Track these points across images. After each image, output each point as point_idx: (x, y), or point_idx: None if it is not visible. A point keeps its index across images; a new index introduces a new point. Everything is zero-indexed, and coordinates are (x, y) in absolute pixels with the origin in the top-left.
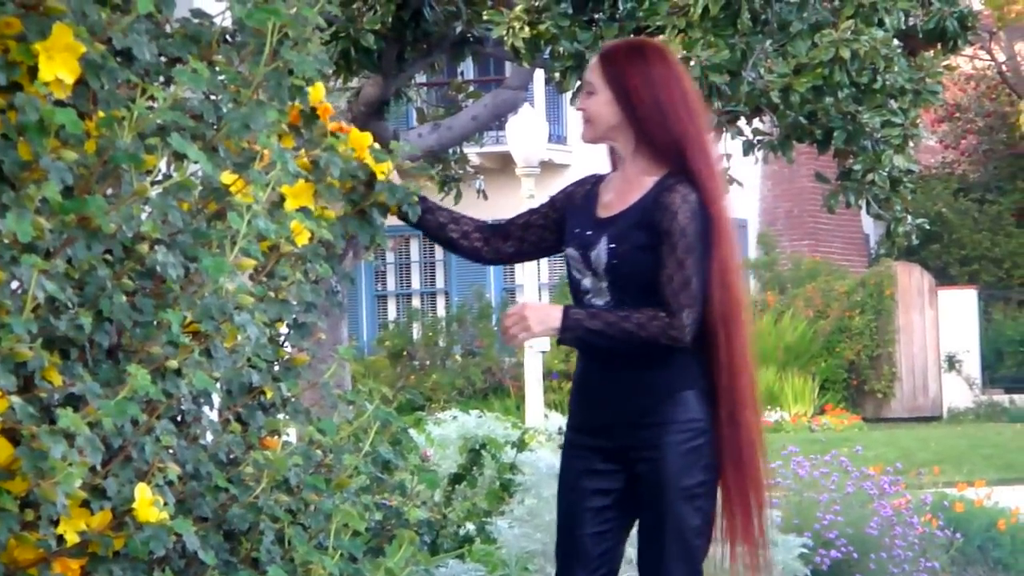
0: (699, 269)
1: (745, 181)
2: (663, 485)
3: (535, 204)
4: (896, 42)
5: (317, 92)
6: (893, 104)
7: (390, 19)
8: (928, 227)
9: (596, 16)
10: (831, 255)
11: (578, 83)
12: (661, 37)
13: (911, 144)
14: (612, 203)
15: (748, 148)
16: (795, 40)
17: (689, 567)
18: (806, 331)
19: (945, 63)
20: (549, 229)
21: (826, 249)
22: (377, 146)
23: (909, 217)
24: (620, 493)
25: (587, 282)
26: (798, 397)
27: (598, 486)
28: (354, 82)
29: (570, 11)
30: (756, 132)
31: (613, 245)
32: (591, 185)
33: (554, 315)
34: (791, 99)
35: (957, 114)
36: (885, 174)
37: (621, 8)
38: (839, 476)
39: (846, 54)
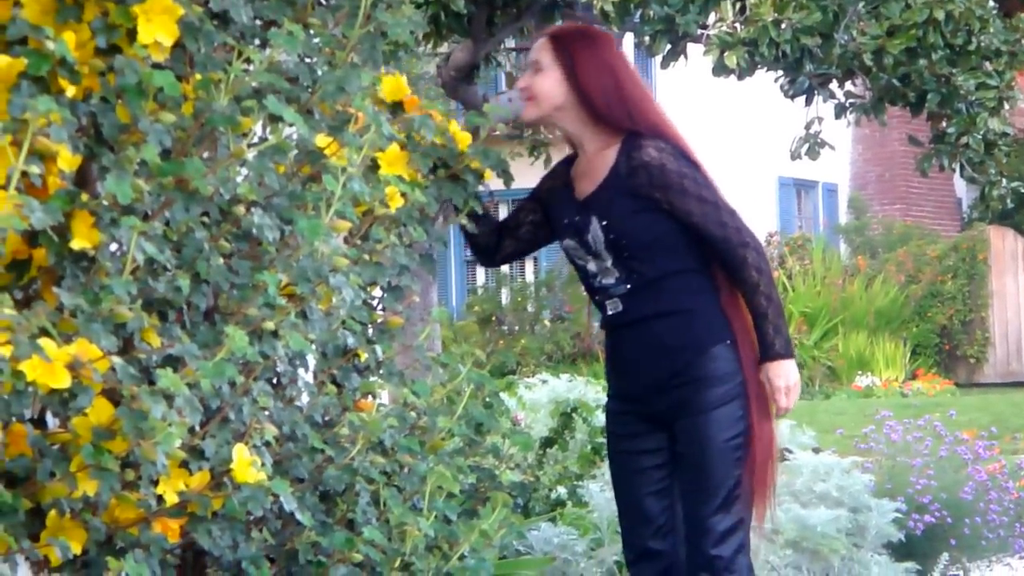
0: (715, 194)
1: (836, 145)
2: (703, 442)
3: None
4: (991, 3)
5: (400, 85)
6: (988, 66)
7: None
8: (1023, 191)
9: None
10: (923, 219)
11: (668, 47)
12: (752, 0)
13: (1006, 106)
14: (586, 183)
15: (840, 111)
16: (888, 2)
17: (735, 518)
18: (897, 296)
19: None
20: (538, 224)
21: (918, 213)
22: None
23: (1004, 180)
24: (668, 451)
25: (591, 266)
26: (889, 362)
27: (645, 446)
28: (444, 47)
29: None
30: (848, 95)
31: (604, 222)
32: (563, 173)
33: (790, 367)
34: (884, 61)
35: None
36: (979, 137)
37: None
38: (932, 441)
39: (940, 15)
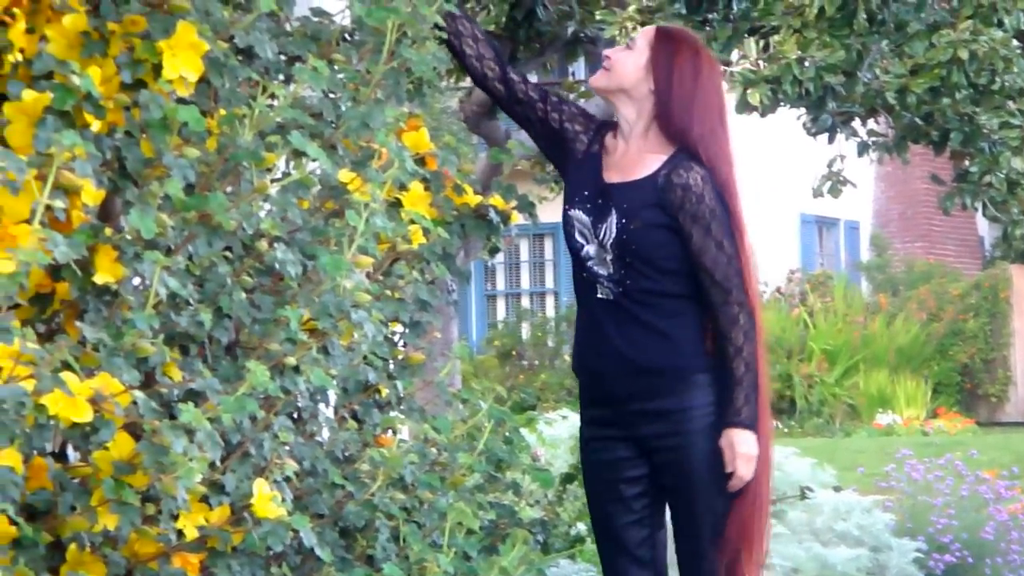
0: (734, 246)
1: (858, 182)
2: (691, 474)
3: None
4: (1015, 43)
5: (422, 139)
6: (1012, 105)
7: (503, 19)
8: None
9: (710, 16)
10: (945, 257)
11: None
12: (775, 38)
13: None
14: (615, 172)
15: (863, 149)
16: (912, 40)
17: (727, 550)
18: (919, 334)
19: None
20: (552, 132)
21: (940, 251)
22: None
23: None
24: (648, 479)
25: (590, 250)
26: (911, 400)
27: (624, 475)
28: (466, 81)
29: (683, 11)
30: (871, 133)
31: (624, 221)
32: (598, 136)
33: (752, 439)
34: (907, 100)
35: None
36: (1002, 176)
37: (735, 8)
38: (953, 480)
39: (964, 55)
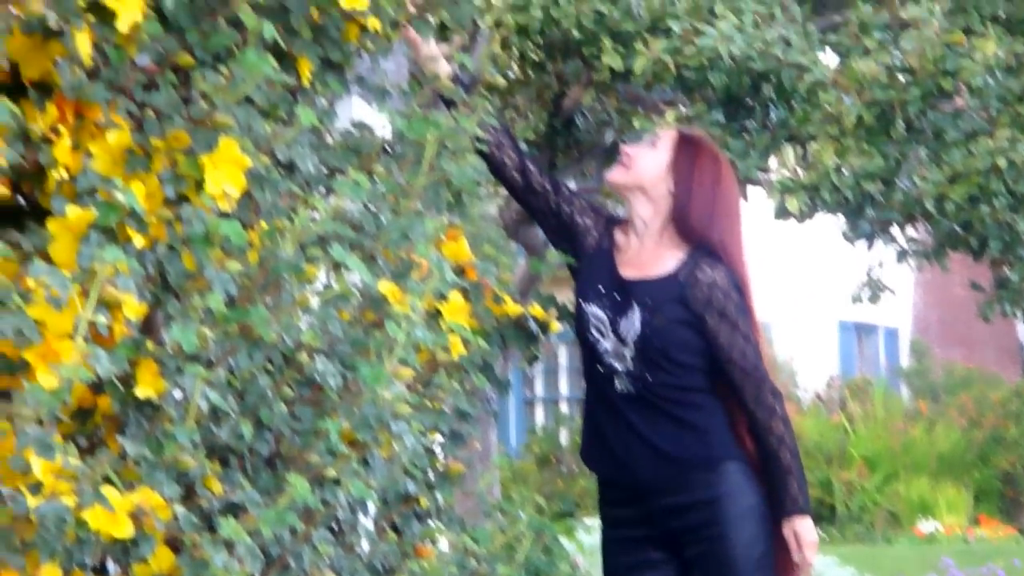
0: (756, 341)
1: (897, 288)
2: (735, 562)
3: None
4: None
5: (462, 250)
6: None
7: (542, 127)
8: None
9: (748, 124)
10: (985, 363)
11: None
12: (813, 145)
13: None
14: (631, 268)
15: (901, 256)
16: (950, 148)
17: None
18: (960, 440)
19: None
20: (563, 225)
21: (980, 357)
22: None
23: None
24: None
25: (607, 344)
26: (952, 507)
27: None
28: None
29: (721, 119)
30: (910, 240)
31: (648, 316)
32: (606, 231)
33: (807, 525)
34: (946, 207)
35: None
36: None
37: (773, 116)
38: None
39: (1003, 163)
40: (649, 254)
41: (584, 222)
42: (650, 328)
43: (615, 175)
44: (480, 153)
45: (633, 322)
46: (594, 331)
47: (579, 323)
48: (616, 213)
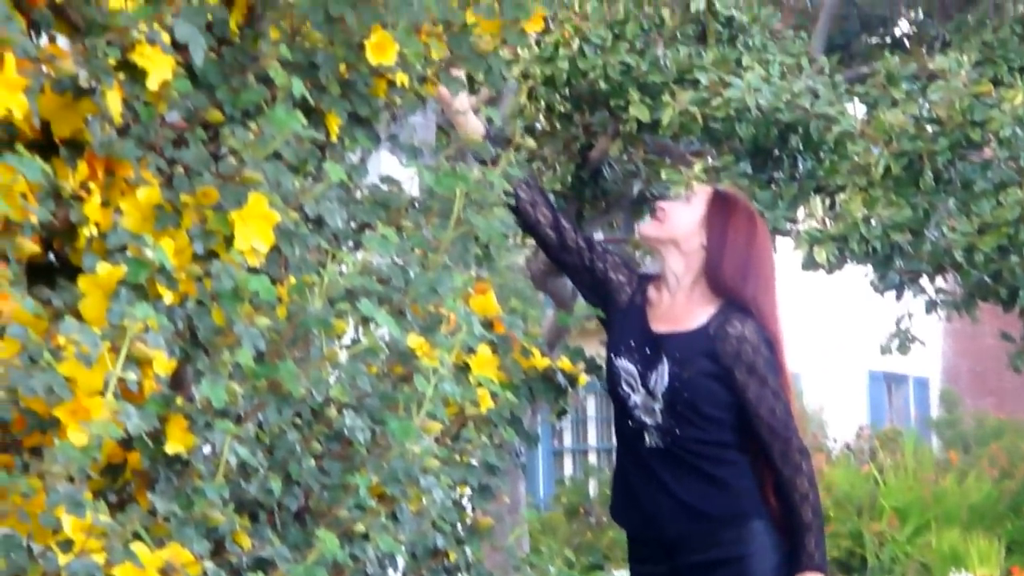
0: (785, 397)
1: (927, 338)
2: None
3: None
4: None
5: (490, 303)
6: None
7: (569, 178)
8: None
9: (775, 175)
10: (1016, 414)
11: None
12: (842, 196)
13: None
14: (663, 322)
15: (931, 307)
16: (979, 199)
17: None
18: (991, 491)
19: None
20: (597, 282)
21: (1010, 407)
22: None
23: None
24: None
25: (637, 398)
26: (984, 559)
27: None
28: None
29: (749, 170)
30: (939, 290)
31: (676, 370)
32: (639, 287)
33: None
34: (975, 258)
35: None
36: None
37: (801, 167)
38: None
39: None
40: (681, 309)
41: (618, 278)
42: (679, 381)
43: (649, 229)
44: (514, 211)
45: (662, 375)
46: (624, 385)
47: (610, 377)
48: (648, 270)
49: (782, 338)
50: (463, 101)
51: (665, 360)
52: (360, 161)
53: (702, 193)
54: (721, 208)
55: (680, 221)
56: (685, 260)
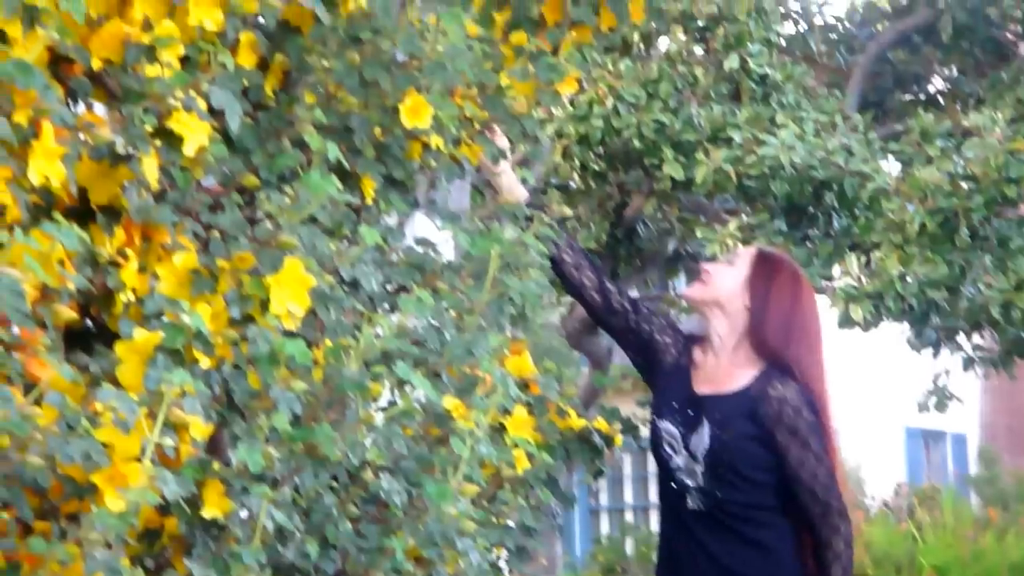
0: (829, 460)
1: (964, 395)
2: None
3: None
4: None
5: (526, 364)
6: None
7: (604, 236)
8: None
9: (810, 233)
10: None
11: None
12: (877, 253)
13: None
14: (705, 384)
15: (968, 364)
16: (1015, 255)
17: None
18: None
19: None
20: (643, 343)
21: None
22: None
23: None
24: None
25: (679, 460)
26: None
27: None
28: (568, 297)
29: (784, 228)
30: (976, 347)
31: (717, 431)
32: (684, 349)
33: None
34: (1012, 315)
35: None
36: None
37: (836, 224)
38: None
39: None
40: (723, 370)
41: (663, 340)
42: (719, 443)
43: (693, 291)
44: (559, 274)
45: (703, 437)
46: (667, 447)
47: (653, 439)
48: (693, 329)
49: (828, 400)
50: (508, 171)
51: (706, 422)
52: (395, 224)
53: (746, 254)
54: (765, 269)
55: (724, 283)
56: (729, 321)
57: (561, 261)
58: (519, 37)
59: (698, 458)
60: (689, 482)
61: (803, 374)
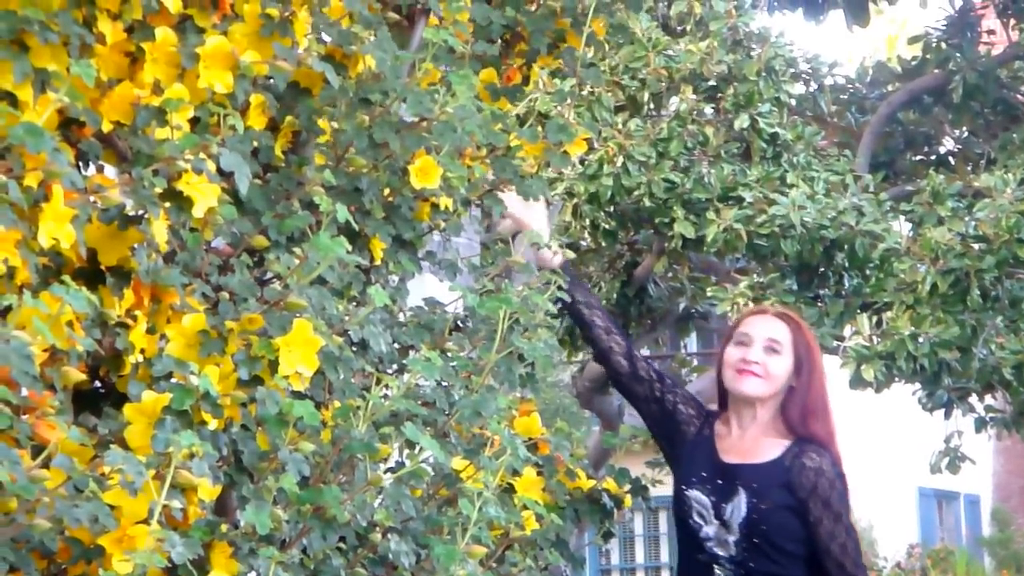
0: (855, 532)
1: (977, 455)
2: None
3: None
4: None
5: (534, 425)
6: None
7: (615, 295)
8: None
9: (821, 292)
10: None
11: None
12: (888, 314)
13: None
14: (733, 454)
15: (980, 425)
16: None
17: None
18: None
19: None
20: (666, 413)
21: None
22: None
23: None
24: None
25: (709, 530)
26: None
27: None
28: (579, 356)
29: (795, 287)
30: (988, 408)
31: (755, 500)
32: (706, 421)
33: None
34: None
35: None
36: None
37: (847, 284)
38: None
39: None
40: (751, 441)
41: (687, 411)
42: (757, 512)
43: (755, 389)
44: (587, 339)
45: (739, 506)
46: (696, 517)
47: (680, 509)
48: (711, 407)
49: (842, 463)
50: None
51: (742, 491)
52: (400, 281)
53: (780, 333)
54: (802, 343)
55: (779, 373)
56: (773, 401)
57: (591, 324)
58: (488, 74)
59: (732, 528)
60: (720, 552)
61: (826, 441)
